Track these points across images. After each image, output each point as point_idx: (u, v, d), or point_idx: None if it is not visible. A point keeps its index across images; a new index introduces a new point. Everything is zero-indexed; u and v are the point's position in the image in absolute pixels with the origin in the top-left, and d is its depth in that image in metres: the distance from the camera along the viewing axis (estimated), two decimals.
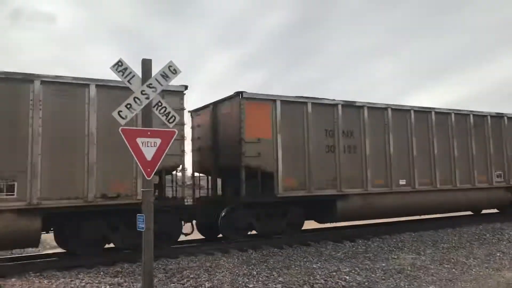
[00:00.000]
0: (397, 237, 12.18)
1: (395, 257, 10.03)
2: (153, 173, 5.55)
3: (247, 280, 7.78)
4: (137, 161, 5.50)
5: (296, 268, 8.87)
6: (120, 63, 5.56)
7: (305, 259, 9.68)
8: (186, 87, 10.30)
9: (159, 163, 5.60)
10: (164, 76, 5.71)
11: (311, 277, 8.10)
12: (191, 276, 7.98)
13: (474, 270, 8.94)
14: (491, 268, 9.09)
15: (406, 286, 7.69)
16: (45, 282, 7.49)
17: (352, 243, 11.43)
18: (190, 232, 11.01)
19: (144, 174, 5.51)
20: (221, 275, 8.11)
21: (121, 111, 5.49)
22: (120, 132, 5.45)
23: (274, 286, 7.49)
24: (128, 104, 5.53)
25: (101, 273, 8.30)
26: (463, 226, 13.87)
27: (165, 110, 5.80)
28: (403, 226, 13.97)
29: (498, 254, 10.30)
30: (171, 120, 5.82)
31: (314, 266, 9.08)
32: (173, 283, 7.53)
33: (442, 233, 12.84)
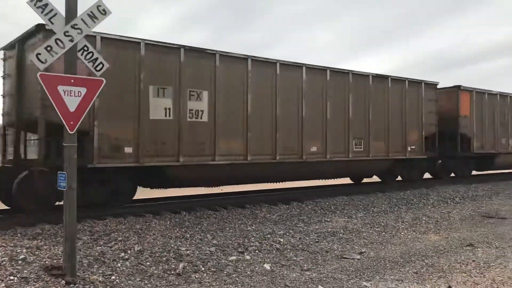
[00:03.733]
0: (330, 201, 12.35)
1: (328, 220, 10.13)
2: (77, 126, 4.94)
3: (180, 243, 7.45)
4: (58, 112, 4.86)
5: (231, 231, 8.66)
6: None
7: (239, 222, 9.50)
8: None
9: (84, 115, 4.99)
10: (92, 16, 5.02)
11: (246, 240, 7.93)
12: (119, 238, 7.50)
13: (402, 233, 9.21)
14: (417, 231, 9.41)
15: (340, 249, 7.74)
16: None
17: (287, 206, 11.42)
18: None
19: (66, 127, 4.89)
20: (152, 237, 7.71)
21: (39, 54, 4.77)
22: (38, 77, 4.76)
23: (208, 249, 7.22)
24: (48, 46, 4.82)
25: (18, 235, 7.59)
26: (392, 191, 14.38)
27: (91, 56, 5.13)
28: (336, 189, 14.23)
29: (424, 218, 10.72)
30: (98, 68, 5.17)
31: (249, 228, 8.92)
32: (100, 246, 7.02)
33: (372, 197, 13.21)
